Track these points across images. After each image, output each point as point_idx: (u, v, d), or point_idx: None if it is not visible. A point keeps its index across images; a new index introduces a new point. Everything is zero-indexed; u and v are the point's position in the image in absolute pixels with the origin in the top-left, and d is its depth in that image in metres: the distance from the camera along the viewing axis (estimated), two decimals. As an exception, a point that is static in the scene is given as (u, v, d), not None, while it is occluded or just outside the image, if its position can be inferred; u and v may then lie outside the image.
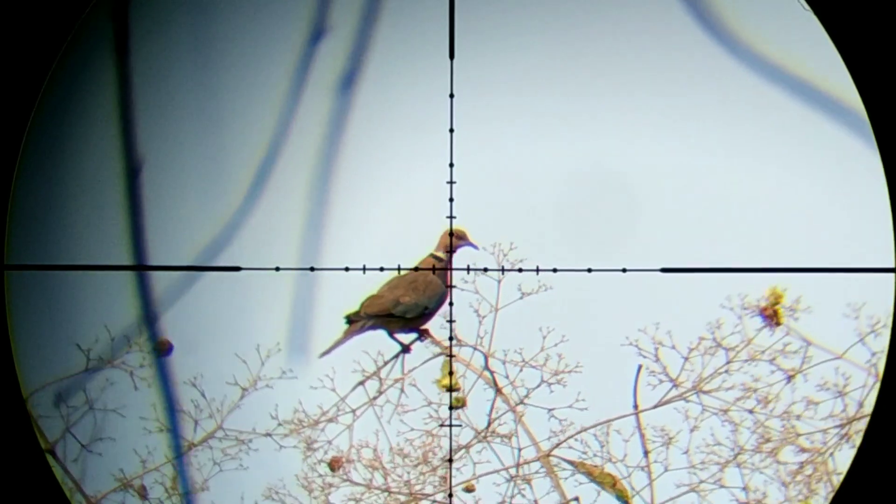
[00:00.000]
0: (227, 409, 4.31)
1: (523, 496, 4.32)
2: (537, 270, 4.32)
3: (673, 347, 4.28)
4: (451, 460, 4.35)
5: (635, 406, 4.31)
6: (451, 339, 4.34)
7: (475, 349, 4.32)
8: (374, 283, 4.36)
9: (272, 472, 4.32)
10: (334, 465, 4.32)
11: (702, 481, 4.27)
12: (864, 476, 3.98)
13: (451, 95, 4.26)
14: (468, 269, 4.34)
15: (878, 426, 4.01)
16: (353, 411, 4.34)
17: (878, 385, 4.19)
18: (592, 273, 4.29)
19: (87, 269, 4.27)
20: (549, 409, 4.31)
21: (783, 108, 4.26)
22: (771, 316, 4.24)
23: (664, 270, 4.27)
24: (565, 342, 4.28)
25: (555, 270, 4.31)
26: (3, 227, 4.13)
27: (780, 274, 4.27)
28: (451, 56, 4.25)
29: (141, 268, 4.29)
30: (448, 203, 4.27)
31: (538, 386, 4.30)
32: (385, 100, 4.29)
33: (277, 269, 4.28)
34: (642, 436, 4.30)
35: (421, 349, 4.38)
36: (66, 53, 4.17)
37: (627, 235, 4.28)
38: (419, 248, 4.33)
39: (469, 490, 4.33)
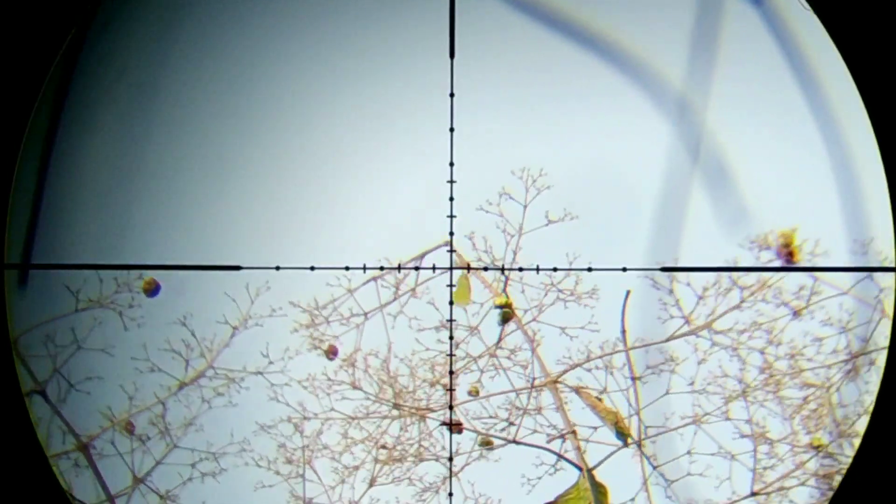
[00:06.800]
0: (218, 347, 4.31)
1: (530, 416, 4.34)
2: (537, 269, 4.32)
3: (688, 285, 4.28)
4: (451, 459, 4.36)
5: (623, 331, 4.31)
6: (450, 338, 4.35)
7: (502, 270, 4.33)
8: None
9: (262, 409, 4.32)
10: (330, 353, 4.32)
11: (706, 413, 4.29)
12: (864, 475, 3.99)
13: (452, 94, 4.26)
14: (468, 268, 4.34)
15: (879, 425, 4.02)
16: (365, 314, 4.34)
17: (886, 322, 4.22)
18: (592, 272, 4.30)
19: (87, 268, 4.28)
20: (562, 328, 4.32)
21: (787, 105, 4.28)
22: (788, 257, 4.24)
23: (664, 270, 4.27)
24: (583, 271, 4.29)
25: (555, 269, 4.32)
26: (3, 227, 4.14)
27: (780, 273, 4.27)
28: (452, 55, 4.25)
29: (140, 267, 4.29)
30: (448, 203, 4.27)
31: (553, 303, 4.31)
32: (385, 99, 4.29)
33: (278, 268, 4.29)
34: (629, 361, 4.30)
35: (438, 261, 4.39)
36: (65, 53, 4.17)
37: (628, 235, 4.28)
38: (419, 247, 4.33)
39: (473, 393, 4.34)
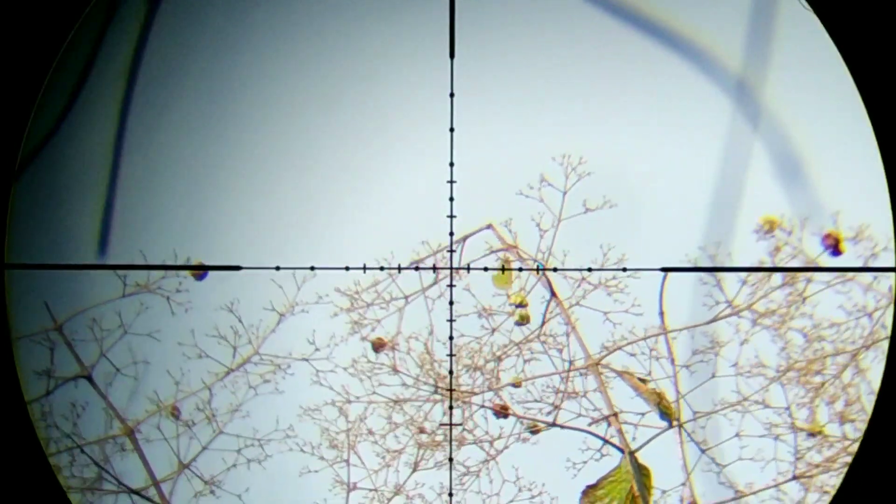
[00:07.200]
0: (264, 334, 4.32)
1: (572, 399, 4.34)
2: (538, 269, 4.32)
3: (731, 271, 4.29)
4: (451, 459, 4.35)
5: (661, 313, 4.31)
6: (450, 338, 4.35)
7: (534, 261, 4.33)
8: (373, 283, 4.37)
9: (307, 394, 4.33)
10: (378, 345, 4.33)
11: (745, 398, 4.29)
12: (864, 476, 3.99)
13: (452, 94, 4.26)
14: (468, 268, 4.34)
15: (879, 426, 4.01)
16: (406, 297, 4.34)
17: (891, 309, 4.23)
18: (593, 272, 4.30)
19: (87, 268, 4.28)
20: (605, 313, 4.32)
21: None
22: (833, 245, 4.23)
23: (664, 270, 4.27)
24: (623, 259, 4.29)
25: (555, 269, 4.32)
26: (3, 226, 4.14)
27: (782, 273, 4.27)
28: (452, 55, 4.25)
29: (140, 267, 4.29)
30: (448, 203, 4.27)
31: (596, 287, 4.31)
32: (385, 99, 4.29)
33: (278, 268, 4.29)
34: (668, 344, 4.30)
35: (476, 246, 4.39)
36: (65, 52, 4.17)
37: (627, 235, 4.28)
38: (419, 247, 4.33)
39: (517, 385, 4.34)
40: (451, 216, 4.29)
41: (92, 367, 4.30)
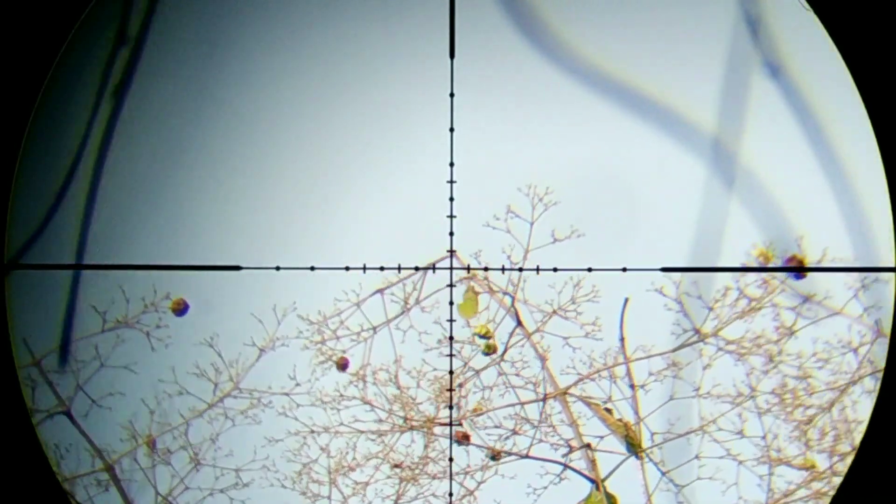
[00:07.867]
0: (244, 369, 4.31)
1: (535, 426, 4.34)
2: (537, 269, 4.32)
3: (699, 297, 4.27)
4: (451, 459, 4.35)
5: (621, 339, 4.31)
6: (450, 338, 4.35)
7: (505, 293, 4.33)
8: (373, 283, 4.37)
9: (284, 426, 4.33)
10: (341, 364, 4.32)
11: (709, 422, 4.29)
12: (864, 477, 3.99)
13: (452, 95, 4.26)
14: (468, 269, 4.34)
15: (879, 426, 4.01)
16: (374, 328, 4.33)
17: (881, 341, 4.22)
18: (593, 272, 4.30)
19: (87, 268, 4.28)
20: (565, 338, 4.31)
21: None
22: (796, 267, 4.24)
23: (664, 270, 4.27)
24: (593, 291, 4.29)
25: (555, 270, 4.31)
26: (3, 227, 4.14)
27: (781, 273, 4.27)
28: (452, 55, 4.25)
29: (140, 267, 4.29)
30: (448, 203, 4.27)
31: (552, 314, 4.31)
32: (385, 100, 4.29)
33: (278, 268, 4.29)
34: (629, 369, 4.30)
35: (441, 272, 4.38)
36: (66, 51, 4.17)
37: (627, 235, 4.28)
38: (419, 247, 4.33)
39: (477, 412, 4.34)
40: (451, 216, 4.29)
41: (70, 400, 4.28)
